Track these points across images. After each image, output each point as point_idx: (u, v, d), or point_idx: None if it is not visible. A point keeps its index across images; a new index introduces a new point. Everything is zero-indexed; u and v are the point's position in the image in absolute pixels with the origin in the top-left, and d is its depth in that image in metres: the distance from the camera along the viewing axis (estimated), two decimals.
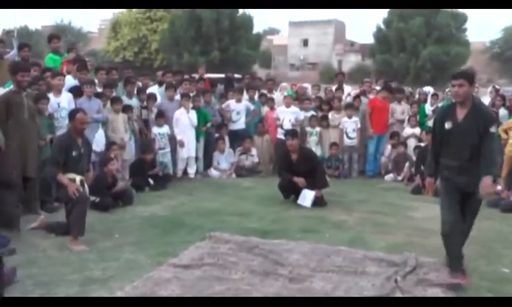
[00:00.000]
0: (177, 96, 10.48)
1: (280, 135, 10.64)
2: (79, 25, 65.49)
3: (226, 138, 11.06)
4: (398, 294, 4.58)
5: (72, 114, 6.34)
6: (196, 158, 10.49)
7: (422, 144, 10.49)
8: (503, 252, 6.07)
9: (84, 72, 9.24)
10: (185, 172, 10.43)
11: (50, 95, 7.88)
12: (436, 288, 4.82)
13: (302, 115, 10.97)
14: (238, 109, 11.14)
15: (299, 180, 8.16)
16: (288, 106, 10.85)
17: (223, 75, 16.93)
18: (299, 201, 8.09)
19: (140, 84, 11.00)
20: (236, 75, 17.27)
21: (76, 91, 8.66)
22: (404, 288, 4.73)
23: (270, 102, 11.56)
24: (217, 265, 5.27)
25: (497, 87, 13.99)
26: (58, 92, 8.04)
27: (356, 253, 5.64)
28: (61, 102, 7.87)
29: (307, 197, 8.09)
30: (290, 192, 8.30)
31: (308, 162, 8.42)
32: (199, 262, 5.34)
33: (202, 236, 6.17)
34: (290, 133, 8.80)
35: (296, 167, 8.36)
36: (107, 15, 68.52)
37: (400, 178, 10.72)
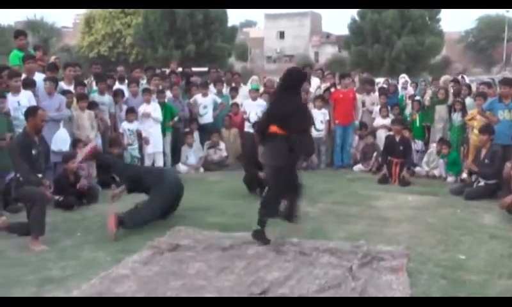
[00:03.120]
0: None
1: (247, 128, 10.68)
2: (52, 20, 64.57)
3: (196, 133, 11.06)
4: (350, 282, 4.64)
5: (33, 111, 6.27)
6: (164, 154, 10.47)
7: (391, 134, 10.57)
8: (461, 239, 6.16)
9: (55, 71, 9.21)
10: None
11: (9, 94, 7.81)
12: (391, 275, 4.91)
13: None
14: (205, 103, 11.15)
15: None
16: (254, 99, 10.86)
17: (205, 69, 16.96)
18: None
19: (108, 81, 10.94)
20: (197, 69, 17.24)
21: None
22: (358, 275, 4.80)
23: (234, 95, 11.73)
24: (176, 260, 5.31)
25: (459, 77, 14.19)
26: (16, 91, 7.95)
27: (310, 243, 5.72)
28: (21, 100, 7.78)
29: None
30: (255, 186, 8.29)
31: None
32: (158, 258, 5.38)
33: (163, 232, 6.18)
34: None
35: None
36: (81, 9, 67.64)
37: (368, 168, 10.82)
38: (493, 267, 5.18)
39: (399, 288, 4.57)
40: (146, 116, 10.04)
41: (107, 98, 9.94)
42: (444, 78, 12.50)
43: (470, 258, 5.45)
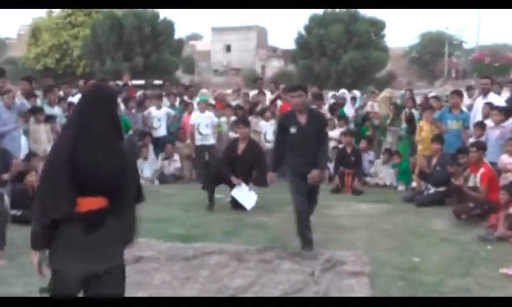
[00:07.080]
0: None
1: (199, 141, 10.80)
2: None
3: (150, 145, 11.05)
4: (312, 287, 4.81)
5: None
6: None
7: (340, 146, 10.87)
8: (415, 243, 6.48)
9: (2, 80, 8.99)
10: None
11: None
12: (352, 278, 5.10)
13: (219, 119, 11.11)
14: (158, 116, 11.18)
15: (237, 181, 8.18)
16: (202, 111, 10.93)
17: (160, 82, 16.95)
18: (236, 196, 8.14)
19: (62, 92, 10.83)
20: (156, 82, 17.27)
21: None
22: (319, 280, 4.98)
23: (189, 107, 11.71)
24: (140, 271, 5.33)
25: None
26: None
27: (272, 251, 5.87)
28: None
29: (250, 198, 8.13)
30: (216, 182, 8.31)
31: (254, 155, 8.39)
32: None
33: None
34: (242, 121, 8.82)
35: (240, 159, 8.31)
36: (26, 20, 65.83)
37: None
38: (445, 268, 5.47)
39: (360, 290, 4.77)
40: None
41: (56, 109, 9.82)
42: (383, 94, 12.72)
43: (424, 261, 5.73)
